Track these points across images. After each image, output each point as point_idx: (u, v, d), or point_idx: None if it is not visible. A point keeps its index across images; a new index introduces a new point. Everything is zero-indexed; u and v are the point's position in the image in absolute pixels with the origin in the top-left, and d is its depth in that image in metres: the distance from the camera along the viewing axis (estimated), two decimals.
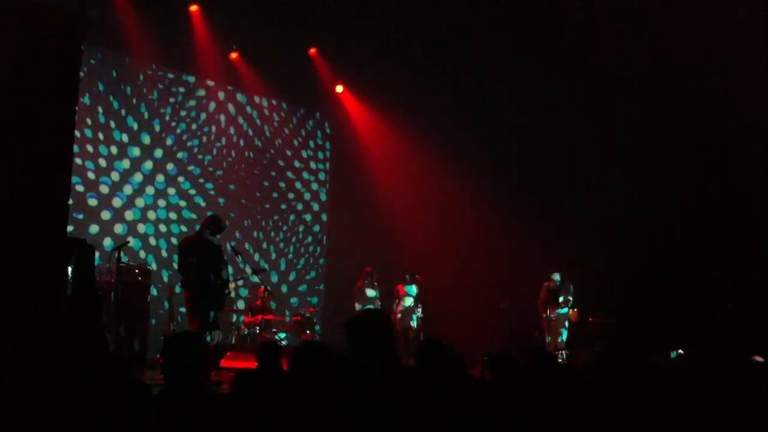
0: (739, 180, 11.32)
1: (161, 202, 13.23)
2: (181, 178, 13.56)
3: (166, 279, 12.78)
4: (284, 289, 15.04)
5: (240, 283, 12.54)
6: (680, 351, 8.03)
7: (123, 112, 12.81)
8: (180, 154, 13.59)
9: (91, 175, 12.26)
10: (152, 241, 13.03)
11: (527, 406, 3.70)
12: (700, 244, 11.68)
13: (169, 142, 13.44)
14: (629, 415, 3.67)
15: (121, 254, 9.94)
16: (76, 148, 11.03)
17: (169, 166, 13.41)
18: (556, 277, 12.05)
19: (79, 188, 11.95)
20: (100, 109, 12.49)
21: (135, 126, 12.96)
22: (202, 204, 13.73)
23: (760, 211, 10.91)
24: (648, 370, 3.85)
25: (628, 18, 11.46)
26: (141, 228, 12.89)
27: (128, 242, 11.23)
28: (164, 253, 13.07)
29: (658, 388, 3.77)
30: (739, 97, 11.11)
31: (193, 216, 13.40)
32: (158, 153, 13.26)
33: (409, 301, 13.03)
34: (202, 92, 14.08)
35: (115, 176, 12.61)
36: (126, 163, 12.78)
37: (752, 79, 10.81)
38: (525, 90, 13.03)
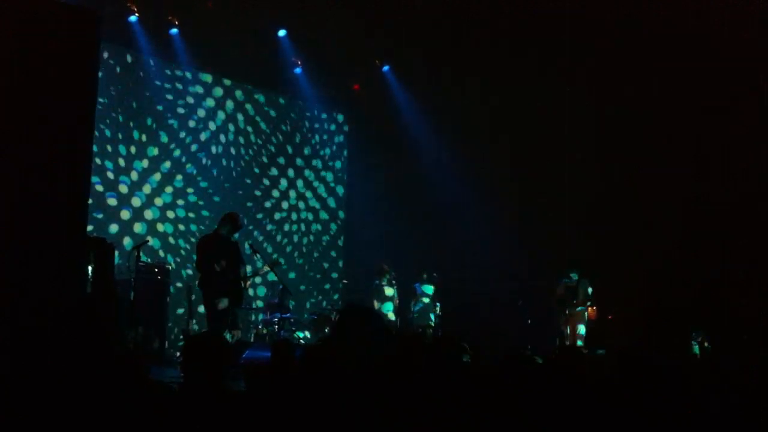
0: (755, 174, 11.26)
1: (180, 201, 13.29)
2: (199, 177, 13.61)
3: (185, 278, 12.84)
4: (302, 288, 15.07)
5: (260, 272, 12.57)
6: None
7: (140, 111, 12.88)
8: (198, 153, 13.64)
9: (110, 175, 12.35)
10: (171, 239, 13.11)
11: (534, 407, 3.71)
12: (717, 240, 11.59)
13: (187, 140, 13.49)
14: (635, 415, 3.67)
15: (140, 253, 10.02)
16: (95, 148, 11.17)
17: (188, 165, 13.46)
18: (574, 274, 11.99)
19: (99, 188, 12.03)
20: (119, 108, 12.57)
21: (153, 125, 13.03)
22: (220, 202, 13.77)
23: None
24: (650, 370, 3.85)
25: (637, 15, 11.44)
26: (160, 227, 12.96)
27: (147, 241, 11.31)
28: (183, 252, 13.14)
29: (659, 389, 3.78)
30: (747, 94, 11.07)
31: (211, 215, 13.44)
32: (176, 152, 13.32)
33: (426, 300, 13.03)
34: (218, 88, 14.11)
35: (134, 175, 12.69)
36: (144, 163, 12.86)
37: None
38: (544, 85, 12.97)
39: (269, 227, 14.69)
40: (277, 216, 14.85)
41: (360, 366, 3.46)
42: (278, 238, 14.82)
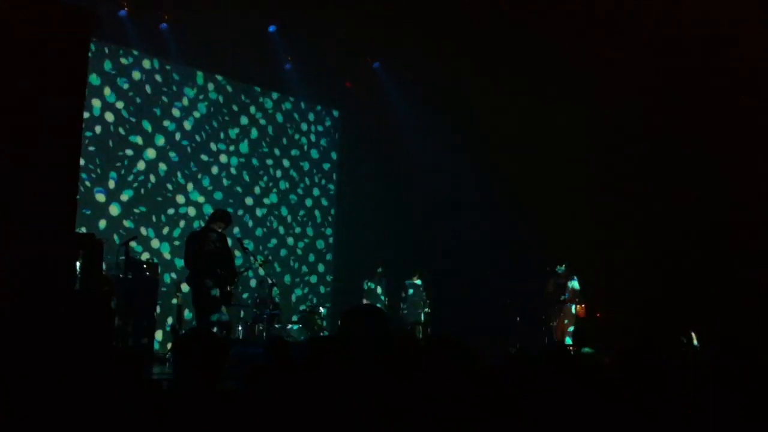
0: (751, 172, 11.28)
1: (168, 197, 13.21)
2: (189, 172, 13.52)
3: (174, 274, 12.77)
4: (296, 288, 15.04)
5: (250, 270, 12.52)
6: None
7: (131, 106, 12.79)
8: (188, 148, 13.56)
9: (98, 170, 12.26)
10: (161, 236, 13.02)
11: (531, 405, 3.69)
12: (710, 238, 11.60)
13: (176, 136, 13.41)
14: (632, 414, 3.66)
15: (129, 249, 9.94)
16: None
17: (176, 160, 13.38)
18: (563, 271, 12.00)
19: (87, 183, 11.94)
20: (106, 102, 12.48)
21: (142, 119, 12.94)
22: (210, 198, 13.70)
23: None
24: (650, 370, 3.84)
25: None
26: (149, 223, 12.87)
27: (135, 237, 11.24)
28: (172, 248, 13.05)
29: (659, 388, 3.77)
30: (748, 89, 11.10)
31: (202, 210, 13.38)
32: (166, 147, 13.23)
33: (416, 297, 13.02)
34: (210, 86, 14.03)
35: (123, 171, 12.59)
36: (135, 157, 12.76)
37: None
38: (541, 84, 12.95)
39: (259, 223, 14.63)
40: (268, 212, 14.79)
41: (361, 365, 3.43)
42: (269, 234, 14.76)
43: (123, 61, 12.78)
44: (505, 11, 11.90)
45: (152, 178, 12.99)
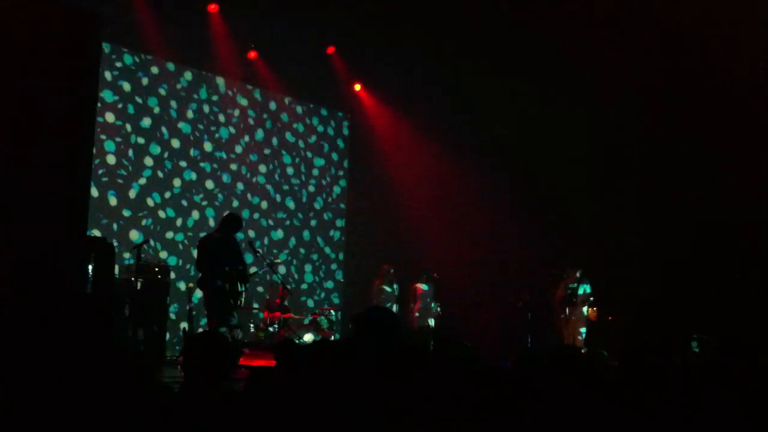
0: (751, 172, 11.25)
1: (180, 200, 13.29)
2: (200, 176, 13.61)
3: (185, 277, 12.84)
4: (304, 286, 15.11)
5: (260, 272, 12.58)
6: None
7: (141, 110, 12.88)
8: (198, 153, 13.65)
9: (110, 173, 12.34)
10: (172, 239, 13.09)
11: (535, 408, 3.73)
12: (709, 239, 11.57)
13: (188, 140, 13.49)
14: (633, 415, 3.69)
15: (141, 252, 10.01)
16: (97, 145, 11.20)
17: (188, 164, 13.46)
18: (575, 274, 11.95)
19: (99, 186, 12.03)
20: (119, 107, 12.57)
21: (152, 124, 13.03)
22: (221, 203, 13.78)
23: None
24: (650, 370, 3.87)
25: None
26: (161, 226, 12.95)
27: (148, 240, 11.31)
28: (184, 252, 13.13)
29: (659, 389, 3.80)
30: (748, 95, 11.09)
31: (212, 214, 13.46)
32: (177, 151, 13.32)
33: (425, 300, 13.02)
34: (221, 90, 14.12)
35: (134, 174, 12.68)
36: (146, 161, 12.85)
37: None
38: (543, 85, 12.94)
39: (268, 226, 14.69)
40: (277, 215, 14.84)
41: (364, 366, 3.48)
42: (278, 237, 14.81)
43: (133, 65, 12.88)
44: (505, 11, 11.89)
45: (164, 180, 13.09)
